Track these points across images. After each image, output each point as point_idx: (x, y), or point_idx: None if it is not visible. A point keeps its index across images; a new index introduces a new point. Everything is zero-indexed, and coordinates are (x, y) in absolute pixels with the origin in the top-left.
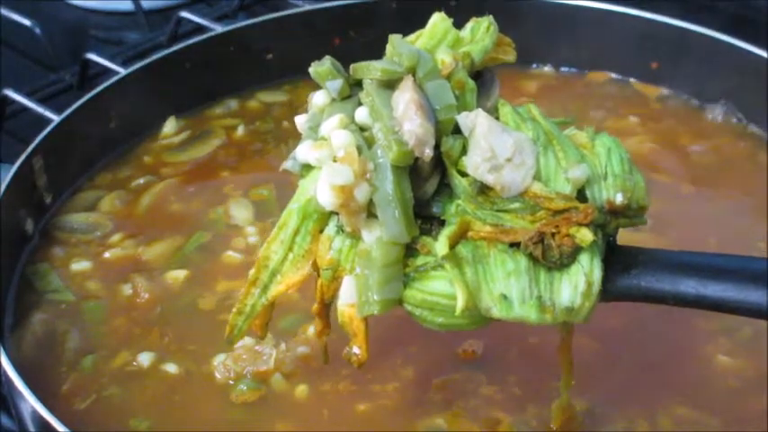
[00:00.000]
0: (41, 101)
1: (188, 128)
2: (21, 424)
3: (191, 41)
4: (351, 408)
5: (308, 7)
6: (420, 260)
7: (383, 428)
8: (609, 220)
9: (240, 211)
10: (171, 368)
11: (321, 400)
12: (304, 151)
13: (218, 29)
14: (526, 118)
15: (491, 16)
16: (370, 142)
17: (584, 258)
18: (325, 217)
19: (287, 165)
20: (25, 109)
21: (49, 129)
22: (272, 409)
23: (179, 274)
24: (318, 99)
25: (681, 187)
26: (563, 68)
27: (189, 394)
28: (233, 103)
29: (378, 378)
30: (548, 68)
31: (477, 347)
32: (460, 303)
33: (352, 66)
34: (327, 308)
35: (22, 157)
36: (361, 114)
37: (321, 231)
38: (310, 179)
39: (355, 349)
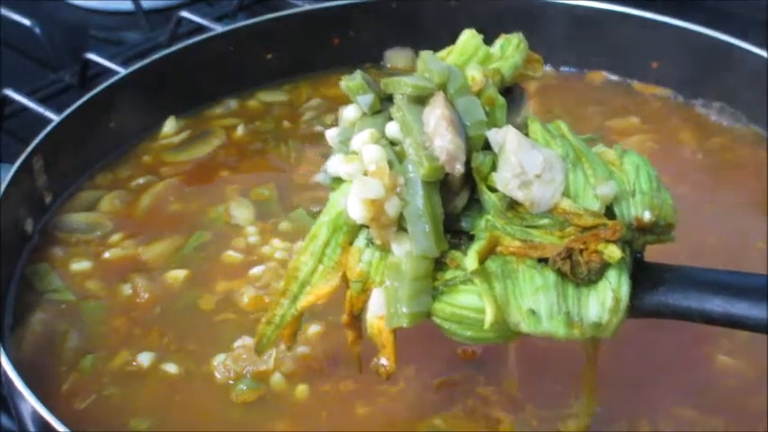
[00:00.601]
0: (41, 101)
1: (188, 128)
2: (21, 424)
3: (191, 41)
4: (351, 407)
5: (307, 7)
6: (449, 274)
7: (383, 428)
8: (637, 236)
9: (240, 211)
10: (171, 368)
11: (321, 399)
12: (335, 165)
13: (218, 29)
14: (555, 135)
15: (521, 33)
16: (400, 157)
17: (611, 275)
18: (356, 230)
19: (318, 178)
20: (25, 109)
21: (48, 129)
22: (271, 408)
23: (179, 274)
24: (349, 113)
25: (680, 187)
26: (563, 68)
27: (189, 394)
28: (233, 103)
29: (378, 378)
30: (548, 68)
31: (477, 347)
32: (489, 317)
33: (382, 81)
34: (357, 319)
35: (22, 156)
36: (392, 129)
37: (351, 244)
38: (341, 192)
39: (383, 360)
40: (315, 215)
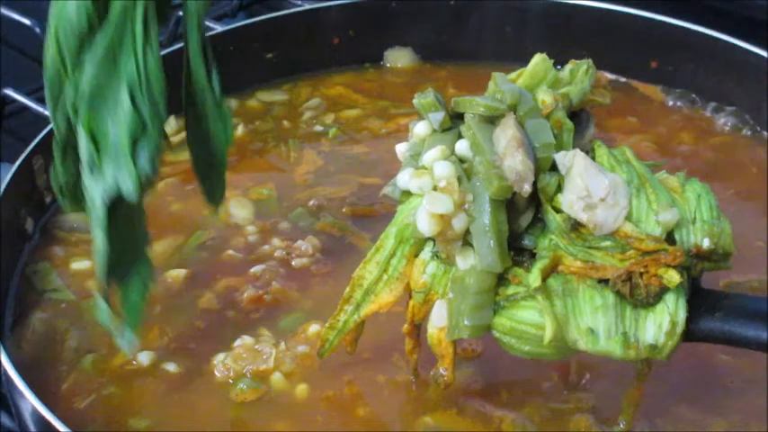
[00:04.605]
0: (41, 100)
1: None
2: (21, 423)
3: None
4: (350, 407)
5: (307, 6)
6: (511, 290)
7: (382, 428)
8: (695, 263)
9: (240, 211)
10: (170, 367)
11: (321, 399)
12: (405, 179)
13: (218, 28)
14: (621, 160)
15: (590, 60)
16: (468, 174)
17: (669, 298)
18: (421, 242)
19: (386, 190)
20: (25, 108)
21: (48, 128)
22: (271, 408)
23: (179, 273)
24: (420, 129)
25: None
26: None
27: (188, 393)
28: (233, 103)
29: (376, 377)
30: None
31: (477, 346)
32: (549, 334)
33: (453, 99)
34: (418, 328)
35: (22, 156)
36: (462, 147)
37: (416, 256)
38: (409, 205)
39: (442, 370)
40: (314, 214)
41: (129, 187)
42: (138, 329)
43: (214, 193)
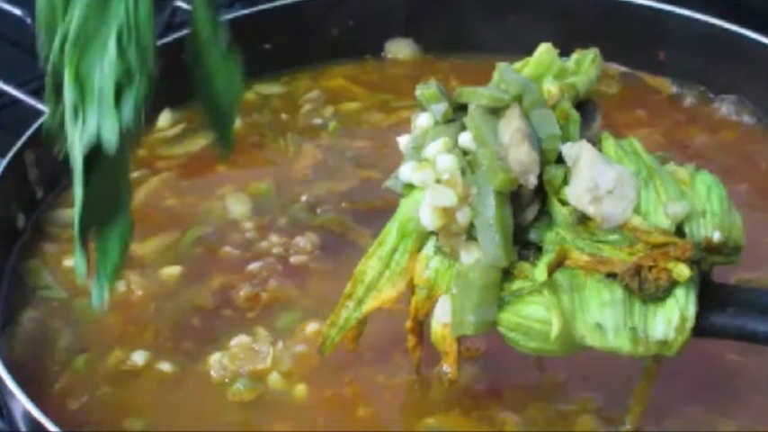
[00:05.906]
0: (33, 93)
1: (183, 120)
2: (12, 424)
3: (186, 32)
4: (351, 408)
5: None
6: (516, 285)
7: (383, 428)
8: (705, 256)
9: (237, 206)
10: (165, 367)
11: (319, 399)
12: (407, 172)
13: None
14: (629, 151)
15: (597, 49)
16: (472, 166)
17: (679, 293)
18: (424, 237)
19: (389, 183)
20: (16, 101)
21: (40, 121)
22: (269, 408)
23: (174, 271)
24: (422, 121)
25: None
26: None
27: (184, 393)
28: None
29: (377, 377)
30: None
31: (480, 345)
32: (556, 330)
33: (456, 90)
34: (421, 325)
35: (14, 150)
36: (465, 139)
37: (419, 250)
38: (412, 199)
39: (446, 368)
40: (313, 210)
41: (109, 136)
42: (113, 286)
43: (222, 143)
